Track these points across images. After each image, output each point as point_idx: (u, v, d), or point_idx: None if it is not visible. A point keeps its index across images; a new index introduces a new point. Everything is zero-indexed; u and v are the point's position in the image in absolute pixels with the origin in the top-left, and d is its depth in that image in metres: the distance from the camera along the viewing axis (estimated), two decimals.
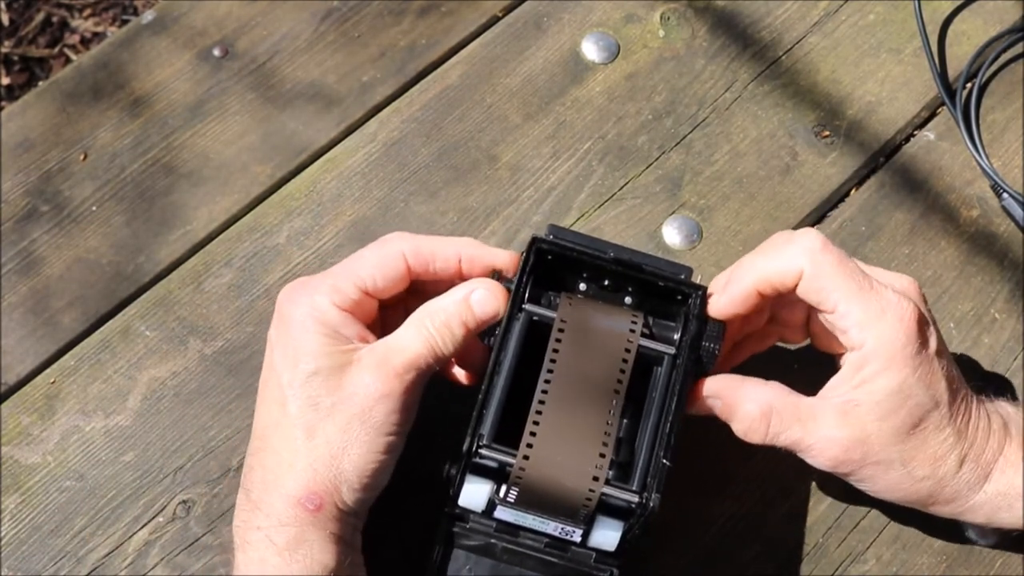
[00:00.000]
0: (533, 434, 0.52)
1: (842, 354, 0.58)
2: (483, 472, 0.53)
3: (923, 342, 0.56)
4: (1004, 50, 0.78)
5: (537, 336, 0.55)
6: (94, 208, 0.70)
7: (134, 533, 0.62)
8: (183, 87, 0.73)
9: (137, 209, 0.70)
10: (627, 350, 0.55)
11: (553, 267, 0.57)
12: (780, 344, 0.66)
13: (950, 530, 0.64)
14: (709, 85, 0.76)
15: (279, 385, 0.55)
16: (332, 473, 0.54)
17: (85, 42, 1.28)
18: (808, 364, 0.64)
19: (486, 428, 0.53)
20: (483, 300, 0.56)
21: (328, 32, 0.76)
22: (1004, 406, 0.60)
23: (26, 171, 0.71)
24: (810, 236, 0.57)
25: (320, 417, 0.54)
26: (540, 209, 0.71)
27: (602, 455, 0.52)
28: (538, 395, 0.53)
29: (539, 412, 0.52)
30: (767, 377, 0.58)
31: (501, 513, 0.54)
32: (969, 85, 0.77)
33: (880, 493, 0.59)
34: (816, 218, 0.73)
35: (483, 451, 0.52)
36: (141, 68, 0.74)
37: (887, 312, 0.56)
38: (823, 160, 0.74)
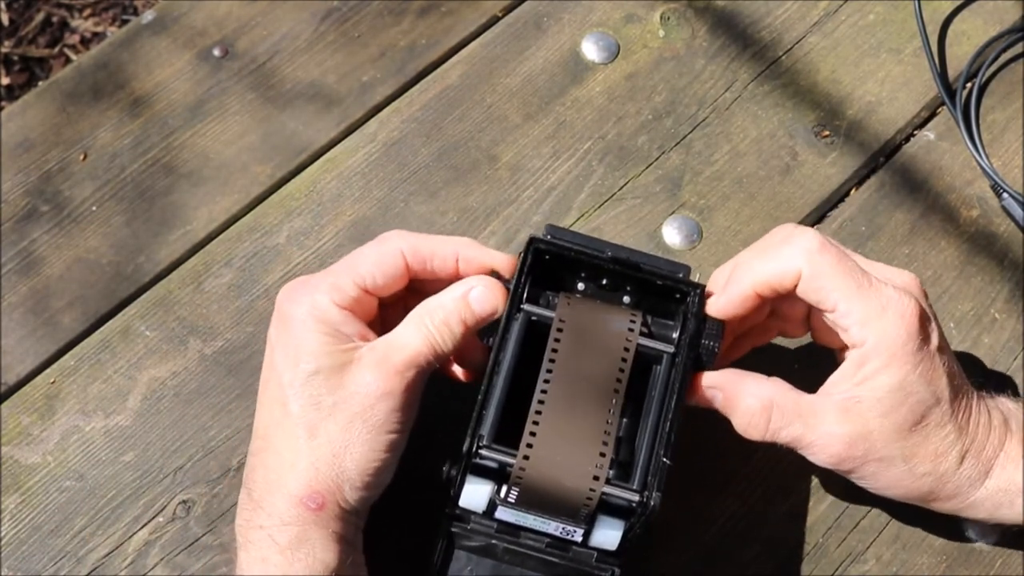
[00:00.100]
0: (533, 434, 0.52)
1: (843, 348, 0.58)
2: (483, 473, 0.53)
3: (925, 338, 0.56)
4: (1004, 50, 0.78)
5: (536, 336, 0.55)
6: (94, 208, 0.70)
7: (134, 533, 0.62)
8: (183, 87, 0.73)
9: (137, 209, 0.70)
10: (626, 349, 0.55)
11: (551, 267, 0.57)
12: (780, 344, 0.66)
13: (950, 530, 0.64)
14: (709, 85, 0.76)
15: (280, 385, 0.55)
16: (334, 472, 0.54)
17: (85, 42, 1.28)
18: (808, 364, 0.65)
19: (486, 429, 0.53)
20: (482, 297, 0.56)
21: (328, 32, 0.76)
22: (1005, 402, 0.60)
23: (26, 171, 0.71)
24: (807, 236, 0.57)
25: (322, 416, 0.54)
26: (540, 209, 0.71)
27: (602, 454, 0.52)
28: (538, 395, 0.53)
29: (539, 412, 0.52)
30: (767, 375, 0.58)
31: (502, 513, 0.54)
32: (969, 85, 0.77)
33: (881, 490, 0.59)
34: (816, 218, 0.73)
35: (483, 452, 0.52)
36: (141, 68, 0.74)
37: (888, 309, 0.56)
38: (823, 160, 0.74)
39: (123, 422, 0.64)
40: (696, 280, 0.57)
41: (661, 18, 0.78)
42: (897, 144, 0.75)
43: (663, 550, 0.63)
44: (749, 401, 0.57)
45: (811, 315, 0.60)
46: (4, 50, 1.26)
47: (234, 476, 0.63)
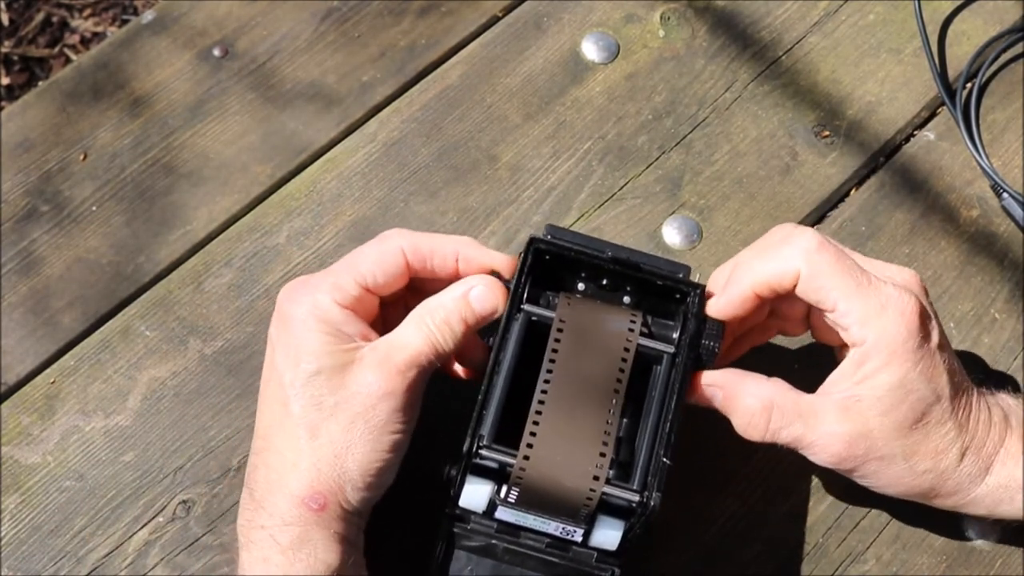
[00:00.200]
0: (533, 434, 0.52)
1: (843, 347, 0.58)
2: (483, 473, 0.53)
3: (925, 336, 0.56)
4: (1004, 50, 0.78)
5: (536, 336, 0.55)
6: (94, 208, 0.70)
7: (134, 533, 0.62)
8: (183, 87, 0.73)
9: (137, 209, 0.70)
10: (626, 349, 0.55)
11: (551, 267, 0.57)
12: (780, 344, 0.66)
13: (950, 530, 0.64)
14: (709, 85, 0.76)
15: (281, 385, 0.55)
16: (336, 472, 0.54)
17: (85, 42, 1.28)
18: (808, 364, 0.65)
19: (486, 429, 0.53)
20: (482, 296, 0.56)
21: (328, 32, 0.76)
22: (1005, 398, 0.60)
23: (26, 171, 0.71)
24: (806, 236, 0.57)
25: (323, 416, 0.54)
26: (540, 209, 0.71)
27: (602, 454, 0.52)
28: (538, 395, 0.53)
29: (539, 412, 0.52)
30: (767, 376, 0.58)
31: (502, 513, 0.54)
32: (969, 85, 0.77)
33: (882, 488, 0.59)
34: (816, 218, 0.73)
35: (483, 452, 0.52)
36: (141, 68, 0.74)
37: (887, 307, 0.56)
38: (823, 160, 0.74)
39: (123, 422, 0.64)
40: (696, 280, 0.57)
41: (661, 18, 0.78)
42: (897, 144, 0.75)
43: (663, 550, 0.63)
44: (749, 401, 0.57)
45: (811, 314, 0.60)
46: (4, 50, 1.26)
47: (234, 476, 0.63)
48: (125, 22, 1.28)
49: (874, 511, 0.65)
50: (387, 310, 0.59)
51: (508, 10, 0.77)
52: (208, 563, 0.61)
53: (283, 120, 0.73)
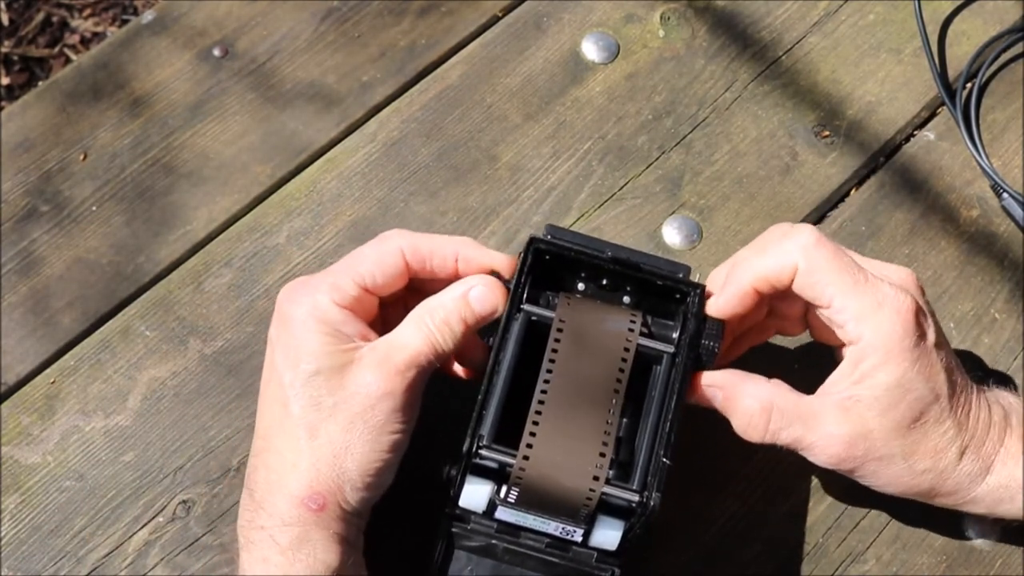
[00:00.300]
0: (533, 434, 0.52)
1: (841, 346, 0.58)
2: (483, 473, 0.53)
3: (921, 334, 0.56)
4: (1004, 50, 0.78)
5: (536, 336, 0.55)
6: (94, 208, 0.70)
7: (134, 533, 0.62)
8: (183, 87, 0.73)
9: (137, 209, 0.70)
10: (626, 349, 0.55)
11: (551, 267, 0.57)
12: (780, 344, 0.66)
13: (950, 530, 0.64)
14: (709, 85, 0.76)
15: (281, 385, 0.55)
16: (335, 473, 0.54)
17: (85, 42, 1.28)
18: (808, 364, 0.65)
19: (486, 429, 0.53)
20: (482, 296, 0.56)
21: (328, 32, 0.76)
22: (1005, 396, 0.60)
23: (26, 171, 0.71)
24: (804, 232, 0.57)
25: (322, 417, 0.54)
26: (540, 209, 0.71)
27: (602, 454, 0.52)
28: (538, 395, 0.53)
29: (539, 412, 0.52)
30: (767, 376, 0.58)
31: (502, 514, 0.54)
32: (969, 85, 0.77)
33: (881, 487, 0.59)
34: (816, 218, 0.73)
35: (483, 452, 0.52)
36: (141, 68, 0.74)
37: (884, 305, 0.56)
38: (823, 160, 0.74)
39: (123, 422, 0.64)
40: (696, 280, 0.57)
41: (661, 18, 0.78)
42: (897, 144, 0.75)
43: (663, 550, 0.63)
44: (748, 402, 0.57)
45: (808, 312, 0.60)
46: (4, 50, 1.26)
47: (234, 476, 0.63)
48: (125, 22, 1.28)
49: (874, 511, 0.65)
50: (387, 310, 0.59)
51: (508, 10, 0.77)
52: (208, 563, 0.61)
53: (283, 120, 0.73)
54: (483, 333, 0.56)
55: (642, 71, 0.76)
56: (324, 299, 0.55)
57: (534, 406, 0.53)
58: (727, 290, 0.58)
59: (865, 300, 0.56)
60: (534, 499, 0.52)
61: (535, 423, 0.52)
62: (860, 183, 0.74)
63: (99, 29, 1.29)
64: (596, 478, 0.51)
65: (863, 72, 0.77)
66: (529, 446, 0.52)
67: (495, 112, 0.74)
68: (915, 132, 0.76)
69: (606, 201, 0.72)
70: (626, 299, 0.58)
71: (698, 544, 0.63)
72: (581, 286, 0.58)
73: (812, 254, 0.56)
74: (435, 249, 0.57)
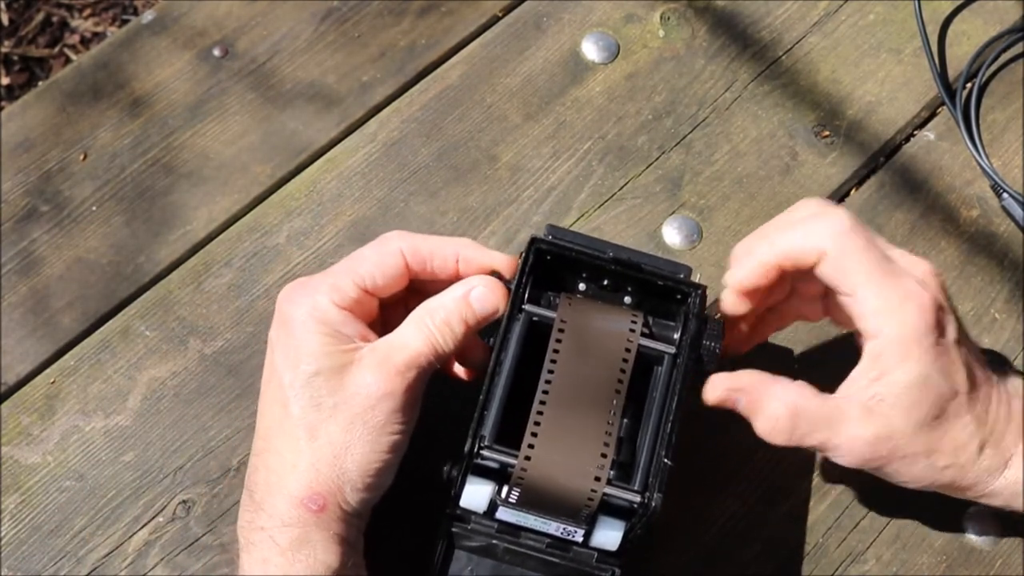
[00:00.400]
0: (534, 435, 0.52)
1: (857, 333, 0.58)
2: (484, 473, 0.53)
3: (941, 331, 0.55)
4: (1004, 50, 0.78)
5: (537, 336, 0.55)
6: (94, 208, 0.70)
7: (134, 533, 0.62)
8: (183, 87, 0.73)
9: (137, 209, 0.70)
10: (627, 350, 0.55)
11: (552, 267, 0.57)
12: (781, 344, 0.66)
13: (950, 530, 0.64)
14: (709, 85, 0.76)
15: (281, 386, 0.55)
16: (335, 473, 0.53)
17: (85, 42, 1.28)
18: (808, 364, 0.65)
19: (487, 429, 0.53)
20: (483, 297, 0.55)
21: (328, 32, 0.76)
22: None
23: (26, 171, 0.71)
24: (838, 217, 0.56)
25: (322, 417, 0.54)
26: (540, 209, 0.71)
27: (603, 455, 0.52)
28: (539, 395, 0.53)
29: (540, 412, 0.52)
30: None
31: (503, 514, 0.54)
32: (969, 85, 0.77)
33: (904, 483, 0.58)
34: None
35: (484, 452, 0.52)
36: (141, 68, 0.74)
37: (908, 300, 0.55)
38: (823, 160, 0.74)
39: (123, 422, 0.64)
40: (697, 280, 0.57)
41: (661, 18, 0.78)
42: (897, 144, 0.75)
43: (663, 550, 0.63)
44: (775, 406, 0.56)
45: (827, 293, 0.59)
46: (4, 50, 1.26)
47: (234, 476, 0.63)
48: (125, 22, 1.28)
49: (874, 511, 0.65)
50: (387, 311, 0.59)
51: (508, 10, 0.77)
52: (208, 563, 0.61)
53: (283, 120, 0.73)
54: (484, 333, 0.56)
55: (642, 71, 0.76)
56: (324, 300, 0.55)
57: (535, 406, 0.52)
58: (748, 262, 0.57)
59: (890, 295, 0.55)
60: (535, 499, 0.52)
61: (536, 423, 0.52)
62: (860, 183, 0.74)
63: (99, 29, 1.29)
64: (597, 479, 0.51)
65: (863, 72, 0.77)
66: (531, 446, 0.52)
67: (495, 112, 0.74)
68: (915, 132, 0.76)
69: (606, 201, 0.72)
70: (627, 299, 0.58)
71: (698, 544, 0.63)
72: (582, 286, 0.58)
73: (844, 242, 0.56)
74: (435, 250, 0.57)
